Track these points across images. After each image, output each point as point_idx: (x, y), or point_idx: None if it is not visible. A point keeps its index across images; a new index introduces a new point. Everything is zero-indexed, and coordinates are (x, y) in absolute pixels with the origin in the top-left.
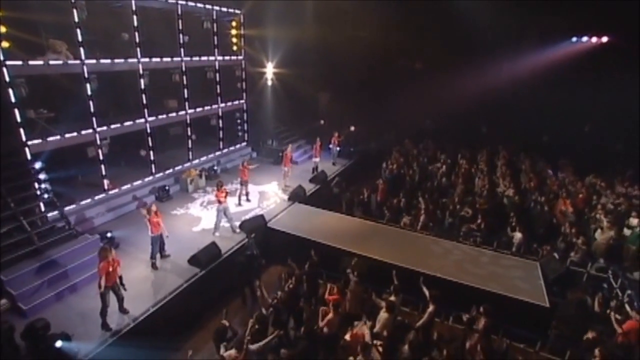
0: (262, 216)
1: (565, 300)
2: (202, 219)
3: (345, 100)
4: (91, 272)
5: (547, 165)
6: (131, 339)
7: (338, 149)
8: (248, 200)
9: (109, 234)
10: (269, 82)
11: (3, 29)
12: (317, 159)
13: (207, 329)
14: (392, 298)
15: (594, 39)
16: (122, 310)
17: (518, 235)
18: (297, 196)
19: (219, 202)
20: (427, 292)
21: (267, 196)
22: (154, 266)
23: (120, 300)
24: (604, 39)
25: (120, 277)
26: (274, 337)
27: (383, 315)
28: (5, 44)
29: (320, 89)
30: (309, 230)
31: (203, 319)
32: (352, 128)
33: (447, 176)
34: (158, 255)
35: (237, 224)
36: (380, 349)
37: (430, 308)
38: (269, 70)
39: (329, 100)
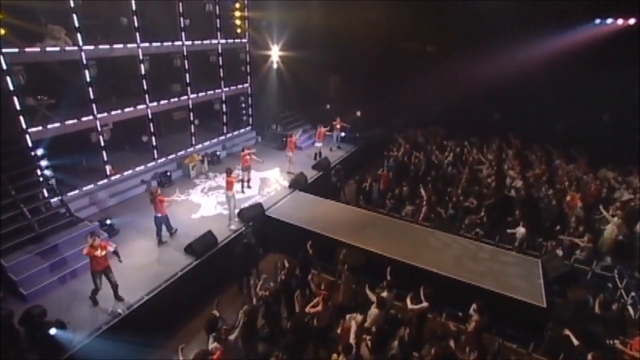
0: (260, 204)
1: (565, 299)
2: (202, 206)
3: (352, 84)
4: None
5: (560, 156)
6: (125, 327)
7: (342, 134)
8: (249, 186)
9: (108, 221)
10: (275, 66)
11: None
12: (320, 144)
13: (201, 317)
14: (385, 294)
15: (620, 21)
16: (117, 297)
17: (521, 230)
18: (297, 184)
19: (229, 188)
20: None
21: (268, 183)
22: (160, 242)
23: (114, 287)
24: (631, 21)
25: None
26: (247, 327)
27: (374, 310)
28: (1, 31)
29: (327, 73)
30: (307, 220)
31: (198, 308)
32: (358, 113)
33: (454, 165)
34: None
35: (236, 211)
36: (369, 344)
37: (420, 305)
38: (275, 53)
39: (335, 84)
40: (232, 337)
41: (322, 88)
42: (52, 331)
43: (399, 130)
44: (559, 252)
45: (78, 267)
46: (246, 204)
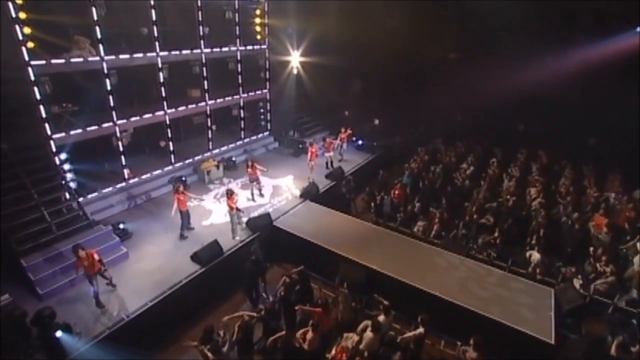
0: (268, 214)
1: (578, 335)
2: (213, 213)
3: (371, 91)
4: (106, 260)
5: (590, 174)
6: (127, 333)
7: (344, 146)
8: (261, 195)
9: (121, 225)
10: (295, 71)
11: (28, 31)
12: (330, 154)
13: (204, 324)
14: (381, 318)
15: None
16: (112, 284)
17: (536, 256)
18: (308, 194)
19: (231, 208)
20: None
21: (280, 191)
22: (182, 237)
23: (110, 280)
24: None
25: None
26: (242, 341)
27: (368, 334)
28: (30, 45)
29: (347, 79)
30: (313, 232)
31: (201, 315)
32: (376, 121)
33: (473, 179)
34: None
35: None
36: None
37: (417, 330)
38: (295, 58)
39: (355, 91)
40: (224, 349)
41: (341, 94)
42: (58, 334)
43: (419, 140)
44: (578, 281)
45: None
46: (256, 213)
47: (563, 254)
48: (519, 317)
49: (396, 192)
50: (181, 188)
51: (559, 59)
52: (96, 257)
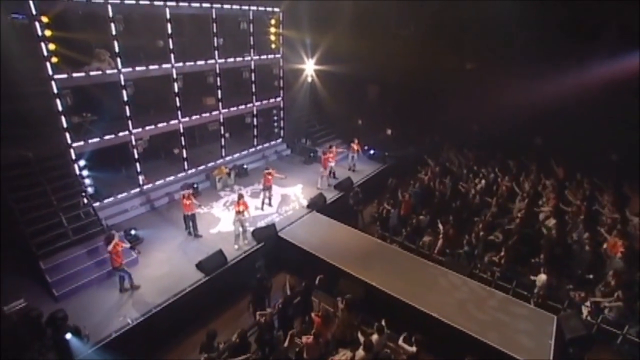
0: (273, 225)
1: None
2: (221, 221)
3: (385, 100)
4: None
5: (610, 192)
6: (132, 338)
7: (355, 156)
8: (270, 205)
9: (133, 231)
10: (309, 79)
11: (52, 47)
12: (332, 164)
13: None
14: (375, 337)
15: None
16: (133, 287)
17: (542, 278)
18: (315, 205)
19: (237, 212)
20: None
21: (288, 200)
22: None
23: (128, 280)
24: None
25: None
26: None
27: (360, 352)
28: (54, 60)
29: (360, 88)
30: (316, 244)
31: (204, 320)
32: (389, 131)
33: (484, 194)
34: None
35: (250, 229)
36: None
37: (408, 348)
38: (309, 67)
39: (368, 99)
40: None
41: (354, 103)
42: (68, 336)
43: (431, 150)
44: (587, 308)
45: (102, 273)
46: (263, 222)
47: (573, 276)
48: (516, 343)
49: (404, 204)
50: (187, 193)
51: (581, 72)
52: (126, 245)
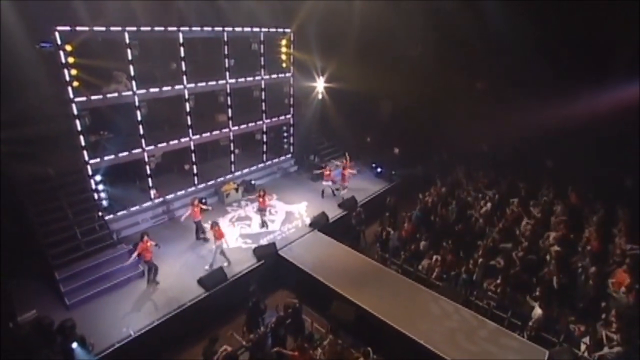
0: (274, 244)
1: None
2: (225, 236)
3: (394, 118)
4: (123, 277)
5: (624, 220)
6: (133, 349)
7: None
8: (266, 226)
9: None
10: (319, 96)
11: (74, 72)
12: (328, 183)
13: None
14: None
15: None
16: (155, 281)
17: (538, 311)
18: (317, 224)
19: (217, 238)
20: None
21: (292, 218)
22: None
23: (155, 271)
24: None
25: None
26: None
27: None
28: (75, 84)
29: (369, 106)
30: (314, 264)
31: (204, 334)
32: (396, 150)
33: (489, 217)
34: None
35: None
36: None
37: None
38: (319, 85)
39: (377, 117)
40: None
41: (363, 121)
42: (74, 345)
43: (441, 170)
44: (585, 342)
45: (112, 284)
46: (265, 240)
47: (575, 308)
48: None
49: (406, 225)
50: (196, 201)
51: (596, 94)
52: (149, 245)
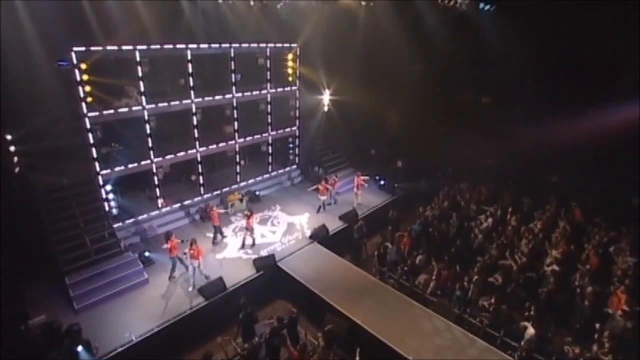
0: (273, 256)
1: None
2: (227, 247)
3: (399, 130)
4: (129, 284)
5: (628, 238)
6: (136, 352)
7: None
8: (253, 244)
9: (146, 253)
10: (325, 108)
11: (88, 89)
12: (324, 197)
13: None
14: None
15: None
16: (203, 275)
17: (530, 331)
18: (317, 236)
19: (195, 257)
20: None
21: (293, 229)
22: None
23: (187, 268)
24: None
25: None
26: None
27: None
28: (89, 99)
29: (375, 118)
30: (310, 276)
31: (203, 340)
32: (399, 163)
33: (489, 233)
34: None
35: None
36: None
37: None
38: (325, 97)
39: (382, 130)
40: None
41: (367, 133)
42: (79, 348)
43: (445, 184)
44: None
45: (118, 290)
46: (265, 251)
47: (572, 328)
48: None
49: (404, 240)
50: (214, 206)
51: (603, 111)
52: (176, 243)
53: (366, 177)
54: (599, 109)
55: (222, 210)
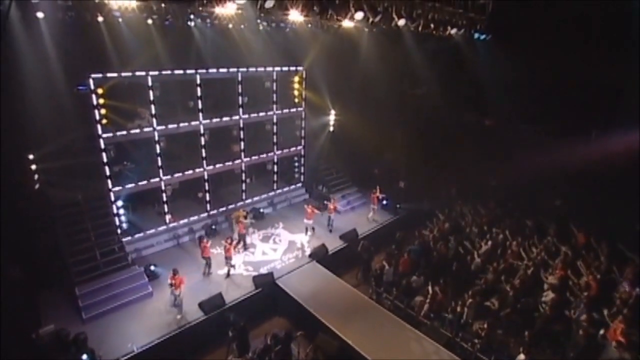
0: (271, 273)
1: None
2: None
3: (403, 150)
4: (134, 296)
5: (631, 265)
6: None
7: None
8: (228, 276)
9: (152, 267)
10: (330, 129)
11: (103, 112)
12: (310, 221)
13: None
14: None
15: None
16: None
17: (521, 357)
18: (316, 255)
19: (177, 286)
20: None
21: (293, 247)
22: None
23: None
24: None
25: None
26: None
27: None
28: (104, 121)
29: (379, 138)
30: (307, 295)
31: (204, 352)
32: (402, 184)
33: (488, 257)
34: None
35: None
36: None
37: None
38: (330, 118)
39: (386, 150)
40: None
41: (371, 153)
42: (84, 357)
43: (448, 205)
44: None
45: (124, 302)
46: (266, 268)
47: (566, 358)
48: None
49: (402, 261)
50: (205, 239)
51: (607, 136)
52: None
53: (383, 195)
54: (603, 132)
55: (246, 221)
